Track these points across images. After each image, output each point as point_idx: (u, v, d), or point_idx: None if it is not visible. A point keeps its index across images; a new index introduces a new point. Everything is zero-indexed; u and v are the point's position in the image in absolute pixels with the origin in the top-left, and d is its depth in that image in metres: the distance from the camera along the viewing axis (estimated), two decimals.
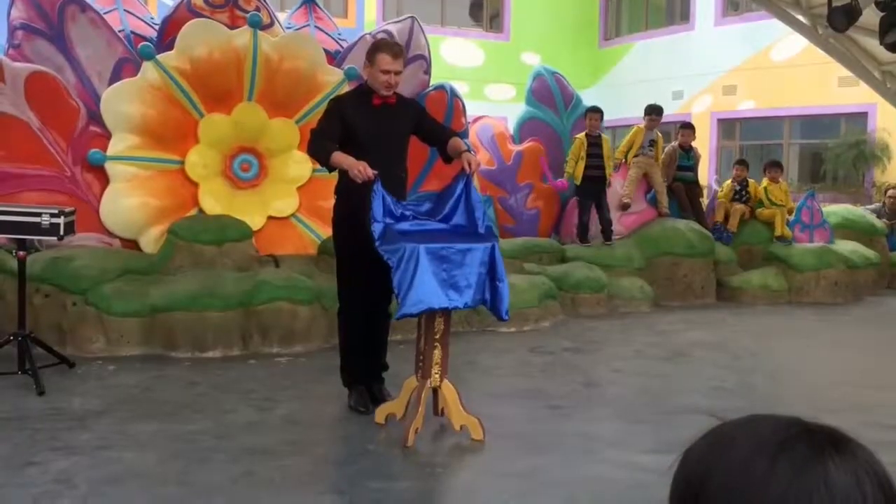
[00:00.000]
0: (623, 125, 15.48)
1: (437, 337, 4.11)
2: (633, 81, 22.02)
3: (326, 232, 6.97)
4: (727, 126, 21.84)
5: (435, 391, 4.18)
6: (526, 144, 8.88)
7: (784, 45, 17.98)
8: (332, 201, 7.03)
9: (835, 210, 10.03)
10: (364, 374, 4.57)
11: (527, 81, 9.87)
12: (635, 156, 8.74)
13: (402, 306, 3.80)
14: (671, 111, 22.33)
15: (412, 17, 7.86)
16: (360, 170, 3.96)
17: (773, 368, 5.87)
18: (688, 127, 9.57)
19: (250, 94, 6.78)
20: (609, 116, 9.91)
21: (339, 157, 4.12)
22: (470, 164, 4.15)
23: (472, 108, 8.79)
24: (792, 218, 9.29)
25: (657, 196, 8.72)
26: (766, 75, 19.36)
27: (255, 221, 6.78)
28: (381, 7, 22.53)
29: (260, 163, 6.92)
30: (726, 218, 9.11)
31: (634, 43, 23.49)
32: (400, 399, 4.29)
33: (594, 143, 8.36)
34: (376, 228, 3.94)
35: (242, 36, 6.63)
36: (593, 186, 8.35)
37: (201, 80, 6.56)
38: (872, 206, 10.75)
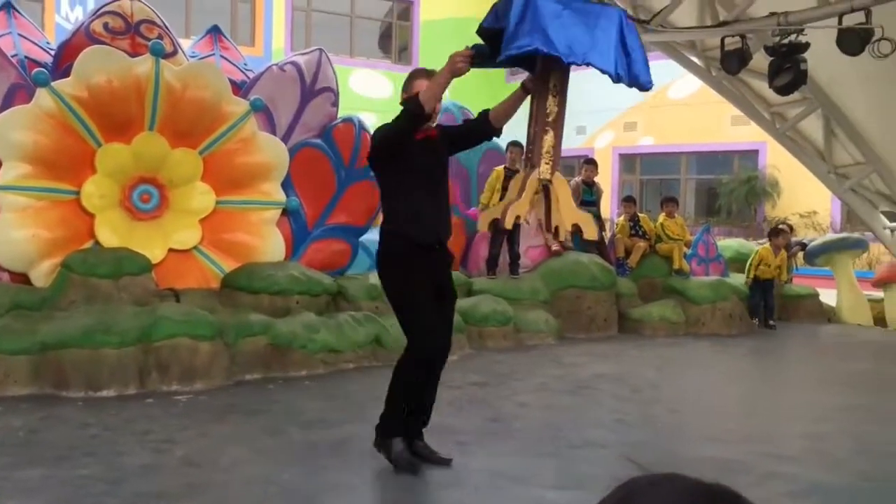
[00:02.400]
0: None
1: (550, 119, 3.71)
2: None
3: (230, 265, 6.85)
4: (628, 161, 22.56)
5: (546, 189, 3.73)
6: None
7: (681, 84, 18.73)
8: (237, 233, 7.02)
9: (729, 244, 10.45)
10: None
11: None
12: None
13: (505, 49, 3.51)
14: (575, 146, 22.96)
15: (320, 49, 7.84)
16: (458, 59, 3.61)
17: (673, 400, 6.03)
18: (591, 163, 9.84)
19: (152, 123, 6.60)
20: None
21: (428, 86, 3.69)
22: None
23: None
24: (689, 252, 9.63)
25: (560, 230, 8.88)
26: (665, 113, 20.13)
27: (156, 254, 6.58)
28: (288, 36, 22.41)
29: (161, 193, 6.74)
30: (627, 252, 9.37)
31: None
32: (504, 202, 3.87)
33: (511, 177, 8.46)
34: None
35: (144, 64, 6.47)
36: None
37: (99, 109, 6.36)
38: (763, 241, 11.23)
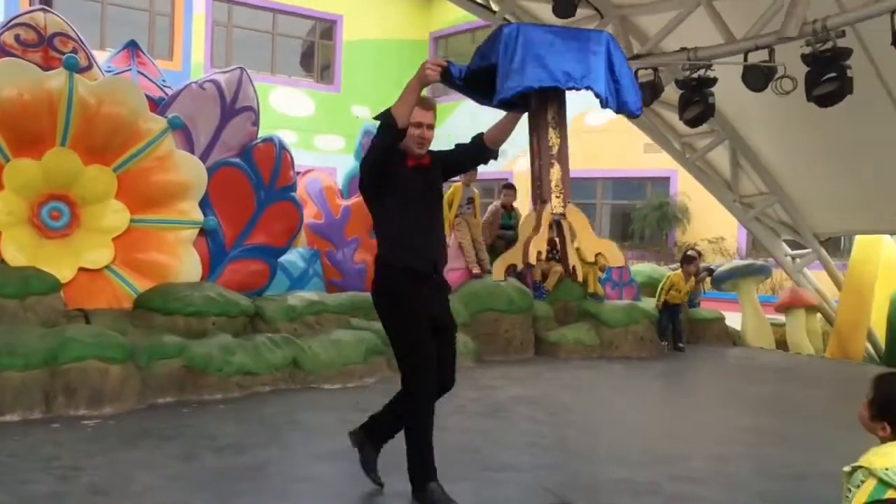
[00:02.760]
0: (454, 180, 15.91)
1: (554, 152, 3.66)
2: (462, 138, 22.55)
3: (143, 285, 6.69)
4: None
5: (559, 225, 3.63)
6: (354, 199, 8.93)
7: (597, 111, 19.22)
8: (152, 253, 6.87)
9: (641, 269, 10.76)
10: None
11: (357, 135, 9.99)
12: (456, 215, 9.01)
13: (500, 90, 3.44)
14: (495, 169, 23.24)
15: (241, 67, 7.77)
16: (428, 66, 3.55)
17: (586, 423, 6.16)
18: (510, 187, 10.01)
19: (64, 138, 6.42)
20: None
21: (400, 100, 3.58)
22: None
23: (302, 159, 8.72)
24: (603, 276, 9.88)
25: (479, 254, 9.02)
26: (581, 139, 20.60)
27: (65, 273, 6.38)
28: (208, 52, 22.09)
29: (72, 211, 6.55)
30: (544, 276, 9.55)
31: (462, 102, 24.35)
32: (517, 245, 3.75)
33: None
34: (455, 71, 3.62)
35: (57, 78, 6.30)
36: None
37: (8, 123, 6.16)
38: (671, 267, 11.61)
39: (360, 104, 23.24)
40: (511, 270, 3.82)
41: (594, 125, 20.36)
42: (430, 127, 3.84)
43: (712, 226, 17.95)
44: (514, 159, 23.16)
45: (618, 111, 3.68)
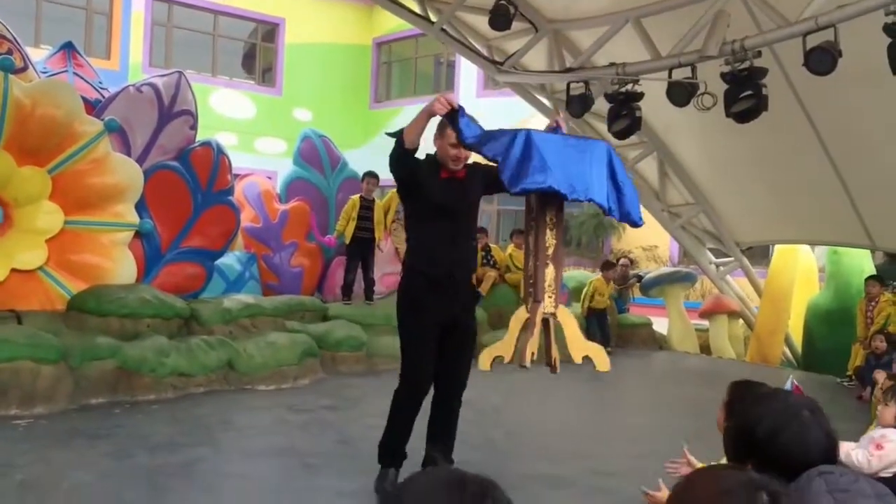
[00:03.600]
0: (392, 185, 16.10)
1: (549, 253, 3.99)
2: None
3: (77, 287, 6.71)
4: None
5: (546, 322, 3.97)
6: (292, 203, 9.05)
7: (538, 119, 19.64)
8: (86, 255, 6.88)
9: (572, 275, 11.07)
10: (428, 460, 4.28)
11: (296, 140, 10.11)
12: (392, 220, 9.19)
13: (517, 182, 3.77)
14: None
15: (179, 71, 7.84)
16: (440, 100, 3.89)
17: (513, 423, 6.40)
18: None
19: None
20: (382, 176, 10.08)
21: (411, 123, 3.96)
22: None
23: (242, 161, 8.78)
24: None
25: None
26: None
27: None
28: (147, 52, 21.83)
29: (5, 212, 6.55)
30: (478, 282, 9.77)
31: (403, 107, 24.51)
32: (507, 339, 4.08)
33: (366, 206, 8.73)
34: (469, 136, 3.90)
35: None
36: (362, 247, 8.69)
37: None
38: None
39: (302, 108, 23.24)
40: (498, 361, 4.17)
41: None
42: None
43: (647, 234, 18.44)
44: None
45: (620, 220, 4.11)
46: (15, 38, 7.07)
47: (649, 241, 18.54)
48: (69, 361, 5.81)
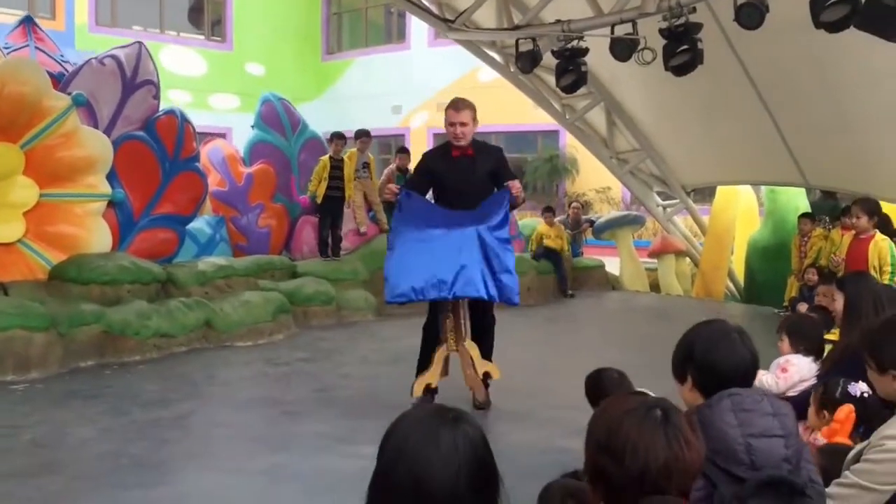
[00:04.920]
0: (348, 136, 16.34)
1: (449, 308, 5.11)
2: (356, 96, 22.99)
3: (56, 257, 7.03)
4: (442, 140, 23.65)
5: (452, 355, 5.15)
6: (256, 167, 9.36)
7: (488, 69, 19.92)
8: (63, 226, 7.18)
9: (528, 223, 11.58)
10: None
11: (249, 96, 10.35)
12: (352, 179, 9.56)
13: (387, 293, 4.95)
14: (392, 125, 23.75)
15: (140, 42, 8.04)
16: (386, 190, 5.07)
17: None
18: (404, 151, 10.60)
19: None
20: (333, 128, 10.35)
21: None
22: (514, 188, 4.99)
23: (197, 119, 8.88)
24: None
25: (377, 215, 9.63)
26: (475, 94, 20.89)
27: None
28: (92, 10, 21.53)
29: None
30: None
31: (355, 59, 24.55)
32: (433, 369, 5.12)
33: (336, 167, 9.09)
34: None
35: None
36: (333, 205, 9.07)
37: None
38: (559, 219, 12.49)
39: (253, 62, 23.18)
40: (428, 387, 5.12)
41: (486, 81, 21.03)
42: (463, 124, 4.96)
43: (600, 177, 18.94)
44: (408, 115, 23.67)
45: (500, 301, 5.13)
46: None
47: (602, 184, 19.05)
48: (58, 328, 6.17)
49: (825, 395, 3.01)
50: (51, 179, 7.05)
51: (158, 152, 7.74)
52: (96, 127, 7.41)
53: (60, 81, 7.45)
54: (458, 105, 5.00)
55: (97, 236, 7.27)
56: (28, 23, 8.18)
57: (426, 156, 5.40)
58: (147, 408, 5.27)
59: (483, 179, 5.10)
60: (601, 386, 3.02)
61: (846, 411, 2.90)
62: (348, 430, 4.91)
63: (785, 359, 3.71)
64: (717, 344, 2.16)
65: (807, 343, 3.74)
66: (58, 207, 7.13)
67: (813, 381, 3.59)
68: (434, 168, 5.13)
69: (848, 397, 2.93)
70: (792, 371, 3.65)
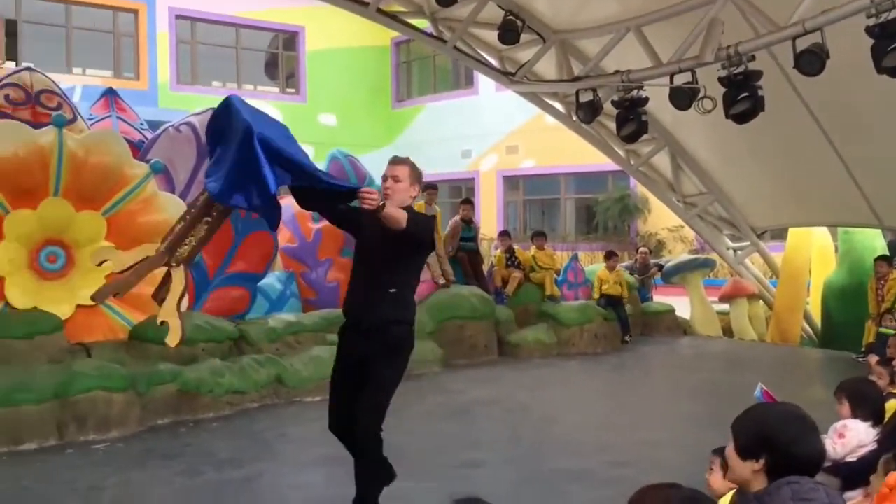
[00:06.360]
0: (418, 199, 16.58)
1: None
2: (426, 141, 23.37)
3: (135, 317, 7.37)
4: (511, 182, 23.81)
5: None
6: (325, 222, 9.64)
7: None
8: (142, 286, 7.51)
9: (594, 269, 11.56)
10: None
11: (322, 146, 10.70)
12: None
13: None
14: (461, 168, 24.06)
15: (213, 108, 8.42)
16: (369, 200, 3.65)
17: (540, 419, 6.94)
18: (467, 202, 10.77)
19: (56, 189, 7.07)
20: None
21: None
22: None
23: None
24: (559, 278, 10.67)
25: (442, 266, 9.78)
26: (543, 136, 21.34)
27: (64, 311, 7.03)
28: (174, 69, 22.55)
29: (67, 253, 7.20)
30: (504, 282, 10.33)
31: (425, 105, 25.03)
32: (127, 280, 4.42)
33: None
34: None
35: (48, 135, 6.94)
36: None
37: (6, 179, 6.79)
38: (626, 264, 12.44)
39: (326, 112, 23.89)
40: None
41: (554, 123, 21.12)
42: (396, 179, 4.04)
43: (672, 215, 18.80)
44: (478, 159, 23.91)
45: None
46: (63, 93, 7.72)
47: (675, 222, 18.82)
48: (137, 388, 6.46)
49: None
50: (131, 243, 7.34)
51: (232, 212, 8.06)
52: (173, 192, 7.79)
53: (140, 149, 7.88)
54: (394, 159, 4.15)
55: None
56: (110, 95, 8.69)
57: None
58: (220, 468, 5.46)
59: (395, 246, 3.93)
60: None
61: None
62: (411, 491, 4.99)
63: (842, 424, 3.66)
64: (803, 437, 2.18)
65: (866, 408, 3.69)
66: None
67: (872, 446, 3.53)
68: (359, 219, 4.03)
69: None
70: (850, 436, 3.60)
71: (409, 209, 4.02)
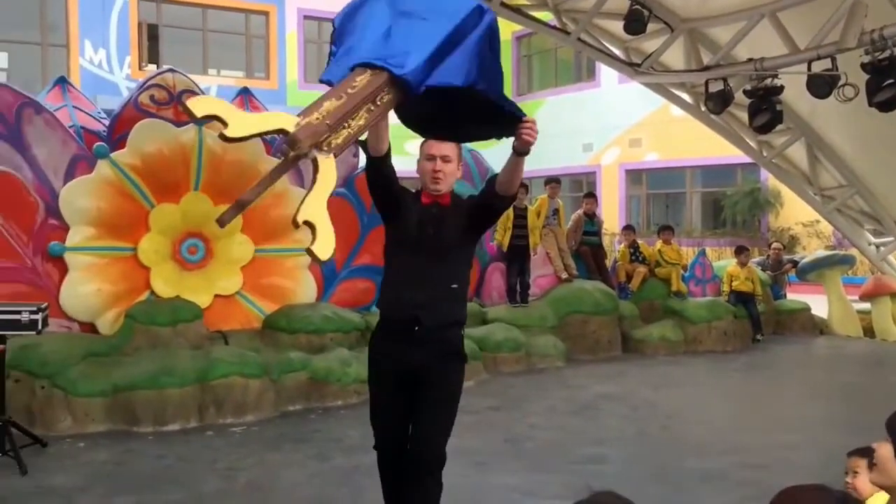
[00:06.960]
0: (539, 175, 16.53)
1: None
2: (547, 135, 23.02)
3: (268, 307, 7.68)
4: (634, 176, 23.34)
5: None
6: None
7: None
8: (274, 278, 7.87)
9: (723, 265, 11.18)
10: None
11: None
12: (543, 226, 9.67)
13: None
14: (582, 162, 23.78)
15: None
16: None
17: (666, 417, 6.78)
18: (590, 196, 10.63)
19: (196, 184, 7.45)
20: (527, 168, 10.46)
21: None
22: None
23: (396, 164, 9.50)
24: (686, 274, 10.38)
25: (565, 261, 9.70)
26: (668, 128, 20.81)
27: (203, 300, 7.41)
28: (301, 69, 23.28)
29: (206, 246, 7.58)
30: (628, 277, 10.14)
31: (546, 99, 24.86)
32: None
33: (520, 215, 9.33)
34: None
35: (188, 133, 7.33)
36: (519, 253, 9.29)
37: (152, 174, 7.22)
38: (757, 260, 11.96)
39: None
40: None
41: (679, 114, 20.59)
42: (446, 160, 3.39)
43: (807, 209, 17.97)
44: (599, 153, 23.55)
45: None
46: (203, 93, 8.09)
47: (810, 217, 17.96)
48: (270, 375, 6.74)
49: None
50: (264, 236, 7.73)
51: (357, 207, 8.27)
52: (303, 186, 8.05)
53: (272, 145, 8.18)
54: (437, 137, 3.39)
55: (304, 288, 7.87)
56: (245, 94, 9.04)
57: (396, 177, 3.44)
58: (349, 453, 5.62)
59: (451, 242, 3.41)
60: None
61: None
62: (535, 484, 5.00)
63: None
64: None
65: None
66: (270, 262, 7.80)
67: None
68: (405, 200, 3.44)
69: None
70: None
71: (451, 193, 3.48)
